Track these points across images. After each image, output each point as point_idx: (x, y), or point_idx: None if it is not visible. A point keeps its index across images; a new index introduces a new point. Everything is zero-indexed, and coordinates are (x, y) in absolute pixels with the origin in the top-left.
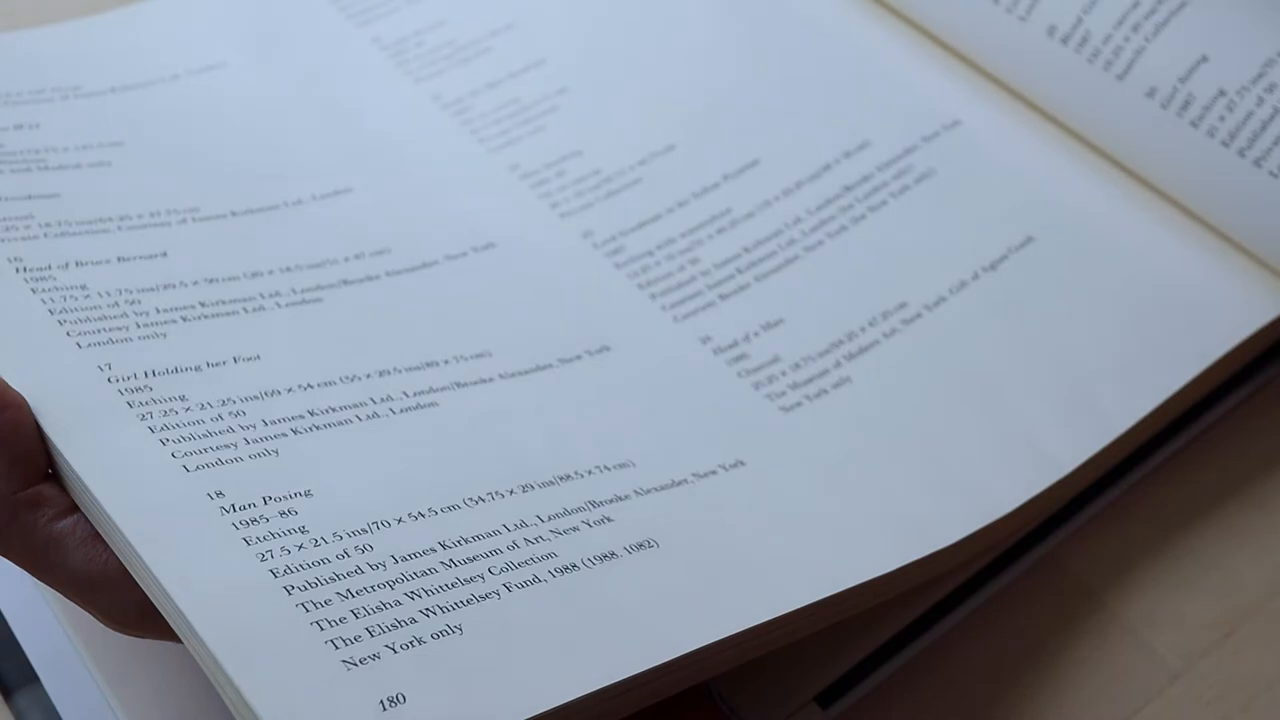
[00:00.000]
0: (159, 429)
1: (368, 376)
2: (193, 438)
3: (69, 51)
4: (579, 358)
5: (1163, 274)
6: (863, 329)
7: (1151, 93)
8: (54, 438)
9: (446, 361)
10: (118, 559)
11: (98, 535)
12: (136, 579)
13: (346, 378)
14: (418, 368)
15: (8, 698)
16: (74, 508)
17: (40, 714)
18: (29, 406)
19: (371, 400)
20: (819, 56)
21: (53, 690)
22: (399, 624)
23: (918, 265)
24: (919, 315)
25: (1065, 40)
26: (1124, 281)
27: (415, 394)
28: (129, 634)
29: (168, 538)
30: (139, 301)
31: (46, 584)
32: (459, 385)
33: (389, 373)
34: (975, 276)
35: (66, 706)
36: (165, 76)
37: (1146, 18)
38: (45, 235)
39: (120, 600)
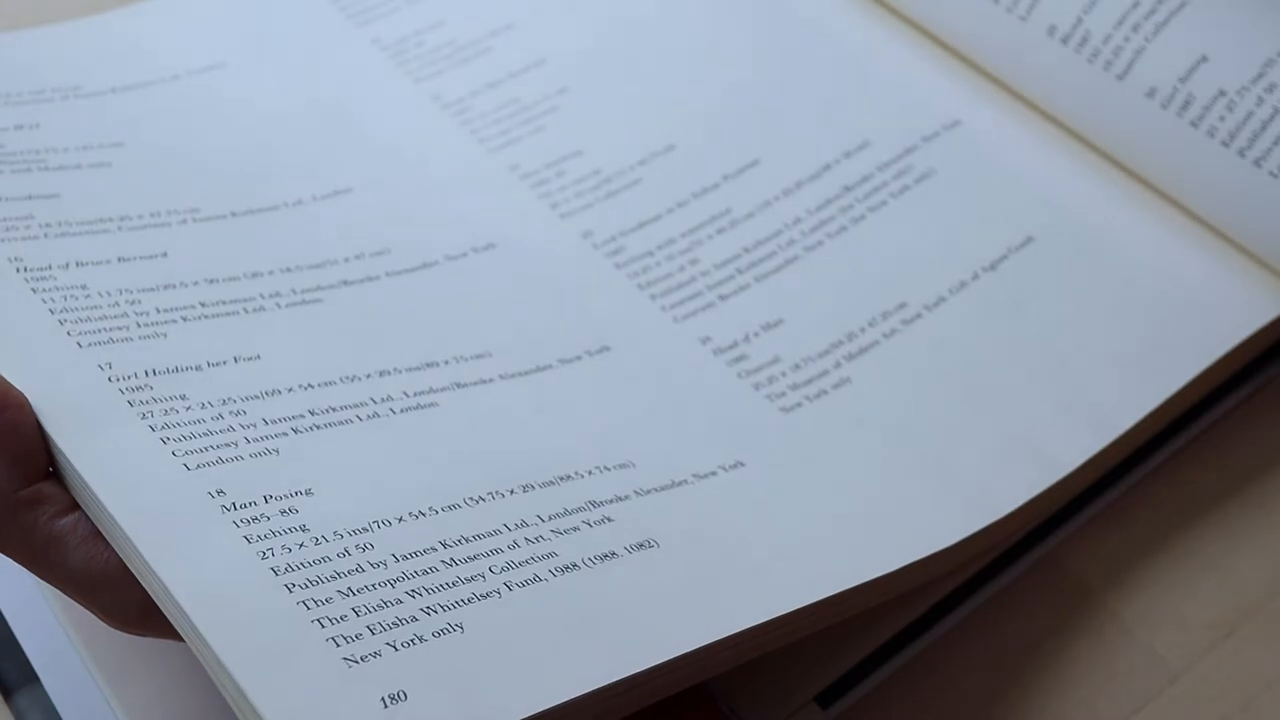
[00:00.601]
0: (160, 428)
1: (368, 377)
2: (193, 436)
3: (69, 52)
4: (579, 358)
5: (1163, 274)
6: (863, 329)
7: (1151, 93)
8: (55, 436)
9: (447, 362)
10: (118, 557)
11: (98, 533)
12: (137, 577)
13: (347, 378)
14: (418, 368)
15: (8, 698)
16: (75, 506)
17: (40, 714)
18: (30, 405)
19: (372, 400)
20: (819, 56)
21: (53, 690)
22: (400, 622)
23: (918, 265)
24: (919, 315)
25: (1065, 40)
26: (1124, 281)
27: (415, 394)
28: (130, 632)
29: (168, 536)
30: (139, 301)
31: (47, 582)
32: (459, 385)
33: (389, 373)
34: (975, 276)
35: (66, 706)
36: (165, 77)
37: (1146, 18)
38: (45, 235)
39: (121, 598)
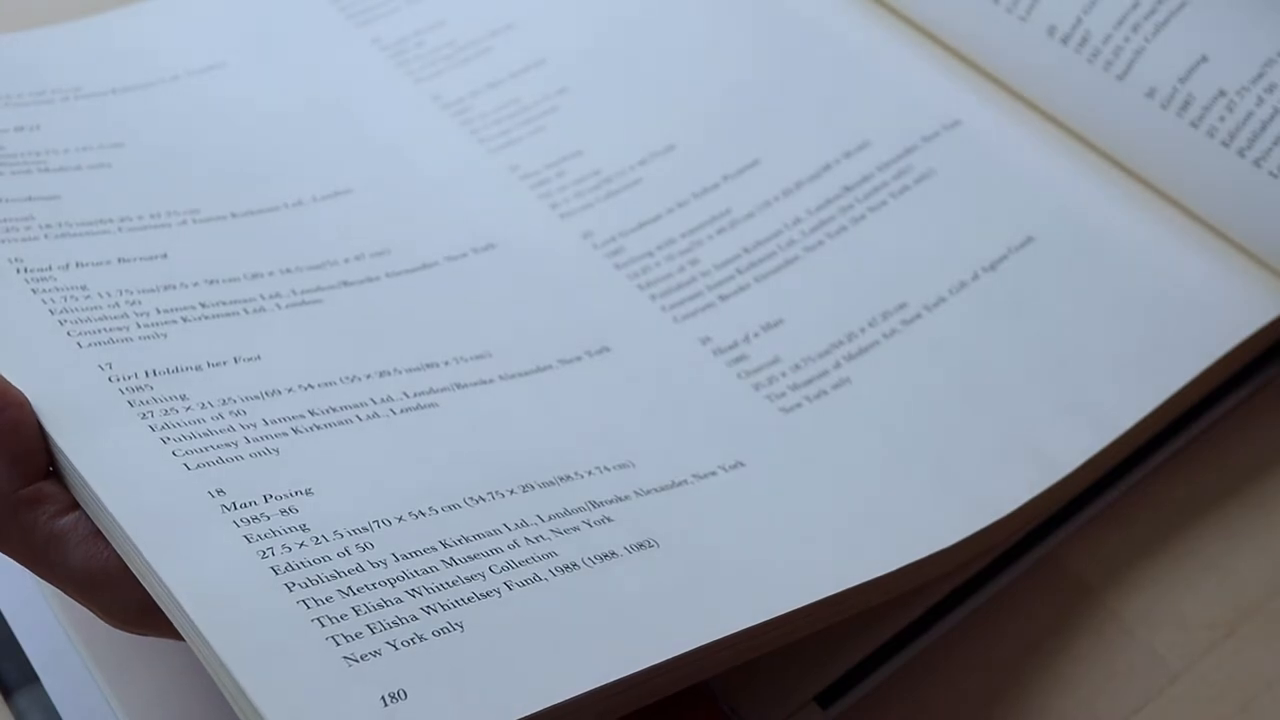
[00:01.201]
0: (160, 427)
1: (368, 377)
2: (193, 436)
3: (69, 53)
4: (579, 358)
5: (1163, 274)
6: (863, 329)
7: (1151, 93)
8: (55, 436)
9: (446, 362)
10: (118, 556)
11: (98, 532)
12: (138, 576)
13: (347, 378)
14: (418, 368)
15: (8, 698)
16: (75, 505)
17: (40, 714)
18: (30, 405)
19: (372, 400)
20: (819, 56)
21: (53, 690)
22: (400, 621)
23: (918, 265)
24: (919, 315)
25: (1065, 40)
26: (1124, 281)
27: (415, 394)
28: (130, 631)
29: (169, 535)
30: (139, 302)
31: (48, 581)
32: (459, 386)
33: (389, 373)
34: (975, 276)
35: (66, 706)
36: (165, 77)
37: (1146, 18)
38: (46, 236)
39: (121, 597)
